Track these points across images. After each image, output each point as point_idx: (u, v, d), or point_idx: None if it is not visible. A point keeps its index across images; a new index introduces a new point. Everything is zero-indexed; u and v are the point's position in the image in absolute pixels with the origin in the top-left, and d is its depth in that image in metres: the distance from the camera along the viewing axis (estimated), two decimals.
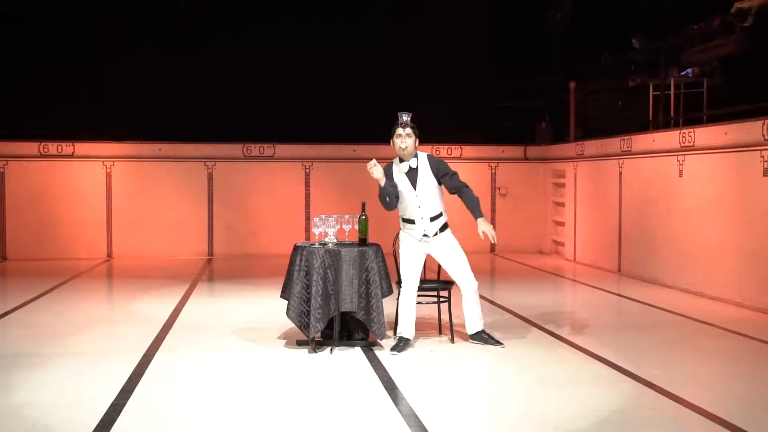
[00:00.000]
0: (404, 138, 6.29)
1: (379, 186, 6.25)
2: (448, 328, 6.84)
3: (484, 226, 6.24)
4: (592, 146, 12.35)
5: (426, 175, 6.31)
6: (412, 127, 6.30)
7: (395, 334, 6.48)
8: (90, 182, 13.24)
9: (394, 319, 6.98)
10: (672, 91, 10.93)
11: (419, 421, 4.62)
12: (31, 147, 13.07)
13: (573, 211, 13.00)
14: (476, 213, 6.29)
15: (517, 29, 14.60)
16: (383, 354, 6.25)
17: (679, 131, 9.82)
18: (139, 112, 13.50)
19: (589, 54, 13.59)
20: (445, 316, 6.97)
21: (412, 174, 6.30)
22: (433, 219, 6.33)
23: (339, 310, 6.22)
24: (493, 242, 6.39)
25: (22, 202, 12.95)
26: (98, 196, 13.25)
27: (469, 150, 14.30)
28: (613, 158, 11.55)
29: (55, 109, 13.15)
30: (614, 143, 11.51)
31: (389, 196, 6.27)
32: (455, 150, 14.23)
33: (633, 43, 12.17)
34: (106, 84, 13.59)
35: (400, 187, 6.31)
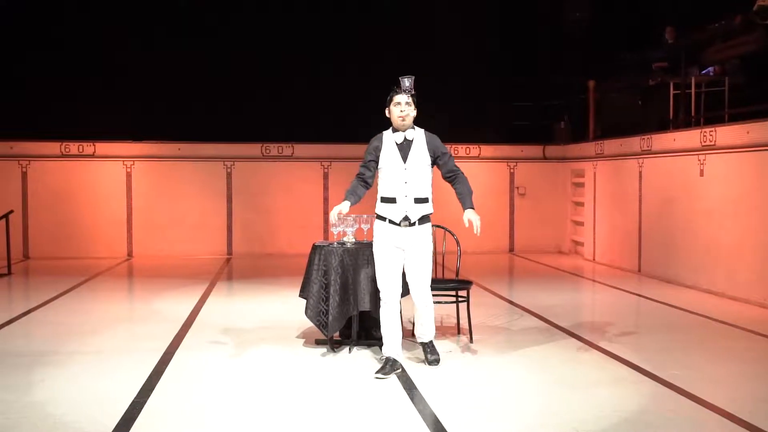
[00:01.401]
0: (404, 107, 5.63)
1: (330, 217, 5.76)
2: (466, 328, 6.82)
3: (472, 215, 5.69)
4: (611, 145, 12.28)
5: (420, 150, 5.67)
6: (413, 96, 5.68)
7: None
8: (110, 182, 13.36)
9: (412, 318, 6.99)
10: (693, 90, 10.82)
11: (437, 420, 4.62)
12: (52, 147, 13.20)
13: (592, 211, 12.93)
14: (468, 202, 5.78)
15: (535, 28, 14.54)
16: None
17: (700, 130, 9.73)
18: (158, 112, 13.60)
19: (608, 53, 13.50)
20: (463, 316, 6.95)
21: (404, 145, 5.64)
22: (418, 201, 5.63)
23: (357, 310, 6.22)
24: (476, 233, 5.69)
25: (43, 202, 13.09)
26: (119, 196, 13.37)
27: (487, 149, 14.26)
28: (633, 157, 11.47)
29: (76, 110, 13.27)
30: (634, 142, 11.44)
31: (365, 182, 5.76)
32: (473, 149, 14.20)
33: (665, 35, 12.05)
34: (127, 84, 13.68)
35: (386, 161, 5.64)
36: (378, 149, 5.68)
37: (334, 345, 6.34)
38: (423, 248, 5.66)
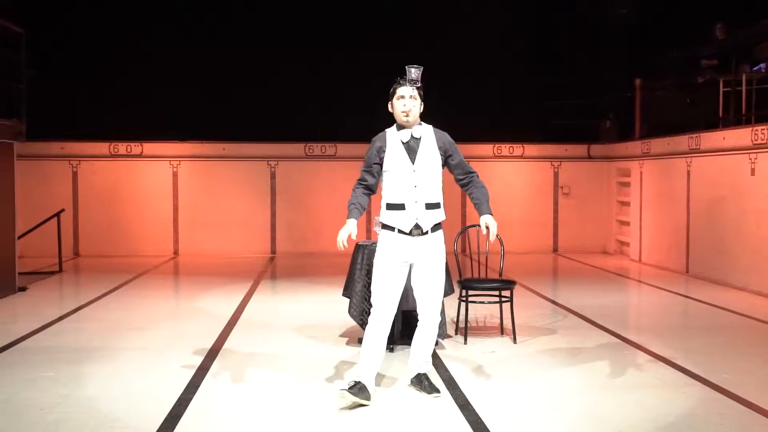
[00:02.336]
0: (407, 101, 4.94)
1: (338, 240, 4.93)
2: (510, 329, 6.78)
3: (490, 220, 5.01)
4: (658, 144, 12.08)
5: (430, 149, 4.99)
6: (418, 88, 4.99)
7: (440, 337, 5.98)
8: (157, 181, 13.59)
9: (455, 318, 6.97)
10: (743, 87, 10.58)
11: (479, 418, 4.59)
12: (101, 147, 13.48)
13: (638, 211, 12.73)
14: (485, 208, 5.05)
15: (581, 25, 14.37)
16: (444, 352, 6.23)
17: (751, 128, 9.51)
18: (204, 113, 13.77)
19: (655, 50, 13.28)
20: (506, 316, 6.91)
21: (412, 144, 4.97)
22: (429, 207, 4.95)
23: (400, 309, 6.22)
24: (491, 240, 5.24)
25: (93, 201, 13.37)
26: (165, 195, 13.59)
27: (531, 149, 14.15)
28: (681, 156, 11.27)
29: (125, 111, 13.52)
30: (682, 141, 11.23)
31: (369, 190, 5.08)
32: (517, 149, 14.10)
33: (715, 32, 11.81)
34: (173, 85, 13.88)
35: (391, 162, 4.96)
36: (382, 150, 4.98)
37: None
38: (436, 259, 5.00)
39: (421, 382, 5.12)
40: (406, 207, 4.92)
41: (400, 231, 4.94)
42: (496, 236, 5.15)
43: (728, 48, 11.23)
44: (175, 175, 13.64)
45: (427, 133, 5.02)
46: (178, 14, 14.05)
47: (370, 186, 5.03)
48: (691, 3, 13.09)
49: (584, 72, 14.12)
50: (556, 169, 14.21)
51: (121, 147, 13.51)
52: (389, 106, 5.04)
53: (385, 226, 5.01)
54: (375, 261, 5.04)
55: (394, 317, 5.05)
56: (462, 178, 5.12)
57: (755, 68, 11.14)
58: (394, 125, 5.04)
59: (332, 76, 14.12)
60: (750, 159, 9.45)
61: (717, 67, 11.52)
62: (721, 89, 10.92)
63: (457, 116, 13.94)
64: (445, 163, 5.06)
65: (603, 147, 14.19)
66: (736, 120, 10.59)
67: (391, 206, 4.97)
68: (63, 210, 11.92)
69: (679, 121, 11.75)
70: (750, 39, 11.13)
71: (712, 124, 10.99)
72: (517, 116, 14.12)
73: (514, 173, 14.15)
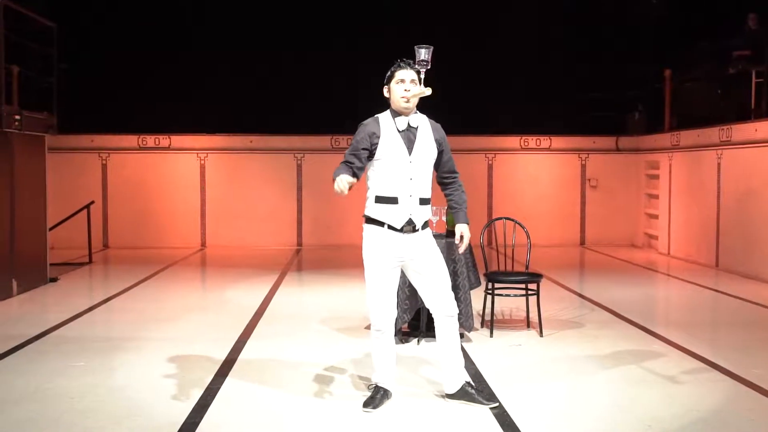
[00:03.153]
0: (408, 85, 4.49)
1: (335, 186, 4.43)
2: (536, 322, 6.74)
3: (465, 230, 4.69)
4: (688, 136, 11.92)
5: (427, 140, 4.57)
6: (418, 71, 4.54)
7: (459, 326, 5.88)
8: (185, 173, 13.69)
9: (481, 311, 6.95)
10: None
11: (505, 411, 4.57)
12: (130, 140, 13.62)
13: (667, 204, 12.58)
14: (462, 216, 4.71)
15: (610, 15, 14.19)
16: (470, 345, 6.22)
17: None
18: (231, 105, 13.83)
19: (685, 41, 13.08)
20: (533, 309, 6.87)
21: (408, 133, 4.54)
22: (423, 203, 4.55)
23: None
24: (461, 252, 4.86)
25: (122, 193, 13.52)
26: (193, 187, 13.69)
27: (558, 141, 14.04)
28: (711, 149, 11.11)
29: (153, 104, 13.62)
30: (713, 133, 11.07)
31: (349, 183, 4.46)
32: (544, 141, 13.99)
33: (747, 22, 11.60)
34: (200, 79, 13.94)
35: (386, 151, 4.50)
36: (375, 137, 4.50)
37: (403, 337, 6.36)
38: (430, 252, 4.62)
39: (467, 393, 4.67)
40: (399, 201, 4.50)
41: (390, 227, 4.53)
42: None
43: (761, 38, 11.02)
44: (202, 167, 13.73)
45: (423, 122, 4.60)
46: (206, 10, 14.09)
47: (355, 169, 4.50)
48: None
49: (613, 63, 13.95)
50: (583, 162, 14.09)
51: (150, 140, 13.64)
52: (385, 90, 4.60)
53: (372, 221, 4.58)
54: (366, 264, 4.62)
55: (395, 323, 4.79)
56: (446, 177, 4.73)
57: None
58: (387, 111, 4.60)
59: (359, 68, 14.08)
60: None
61: (749, 57, 11.33)
62: (754, 80, 10.76)
63: (483, 109, 13.94)
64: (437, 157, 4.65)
65: (632, 139, 14.04)
66: None
67: (381, 199, 4.53)
68: (93, 202, 12.06)
69: (709, 113, 11.58)
70: None
71: (744, 115, 10.82)
72: (545, 108, 14.01)
73: (541, 166, 14.04)
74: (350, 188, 4.40)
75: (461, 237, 4.69)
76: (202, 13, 14.09)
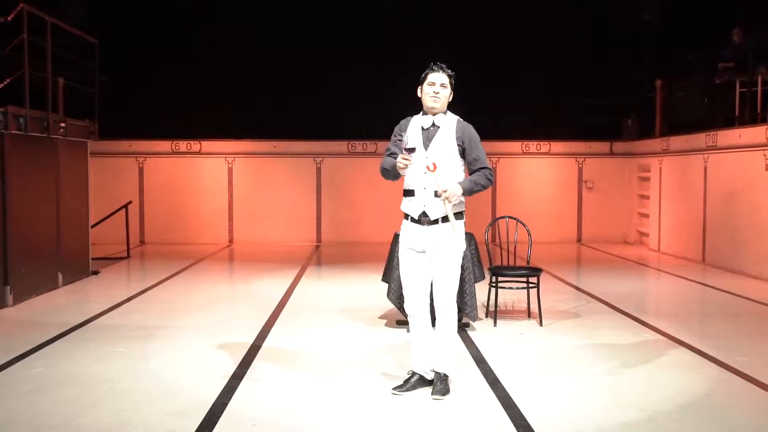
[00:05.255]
0: (438, 88, 4.47)
1: (393, 167, 4.47)
2: (536, 312, 6.72)
3: (453, 185, 4.39)
4: (677, 142, 11.84)
5: (447, 137, 4.49)
6: (450, 75, 4.54)
7: (461, 317, 5.86)
8: (214, 176, 13.74)
9: (486, 302, 6.93)
10: (759, 88, 10.30)
11: (508, 395, 4.57)
12: (164, 145, 13.68)
13: (657, 204, 12.51)
14: (464, 181, 4.46)
15: (606, 29, 14.11)
16: (475, 334, 6.20)
17: (765, 126, 9.27)
18: (256, 114, 13.85)
19: (675, 53, 13.00)
20: (533, 301, 6.85)
21: (430, 131, 4.51)
22: (439, 195, 4.41)
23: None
24: (442, 198, 4.37)
25: (157, 194, 13.58)
26: (221, 188, 13.74)
27: (557, 146, 14.00)
28: (698, 153, 11.03)
29: (185, 112, 13.68)
30: (700, 139, 10.99)
31: (397, 177, 4.56)
32: (544, 146, 13.95)
33: (732, 36, 11.52)
34: (229, 88, 13.97)
35: (410, 146, 4.47)
36: (403, 129, 4.59)
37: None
38: (447, 248, 4.47)
39: (435, 381, 4.60)
40: (415, 193, 4.48)
41: (412, 219, 4.53)
42: (448, 199, 4.29)
43: (745, 50, 10.93)
44: (230, 170, 13.78)
45: (448, 122, 4.53)
46: (234, 25, 14.11)
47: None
48: (710, 8, 12.78)
49: (608, 74, 13.87)
50: (580, 165, 14.03)
51: (182, 145, 13.70)
52: (419, 90, 4.59)
53: (404, 215, 4.61)
54: (399, 256, 4.69)
55: (430, 307, 4.61)
56: (472, 170, 4.56)
57: None
58: (421, 111, 4.60)
59: (375, 82, 14.09)
60: (765, 155, 9.21)
61: (734, 68, 11.24)
62: (738, 90, 10.67)
63: (488, 116, 13.87)
64: (462, 155, 4.53)
65: (625, 144, 13.97)
66: (751, 118, 10.32)
67: (405, 192, 4.56)
68: (130, 202, 12.11)
69: (697, 120, 11.50)
70: (766, 42, 10.83)
71: (729, 122, 10.73)
72: (545, 116, 13.97)
73: (541, 169, 14.00)
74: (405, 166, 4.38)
75: (435, 166, 4.39)
76: (231, 29, 14.07)
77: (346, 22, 14.20)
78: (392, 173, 4.53)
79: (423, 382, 4.65)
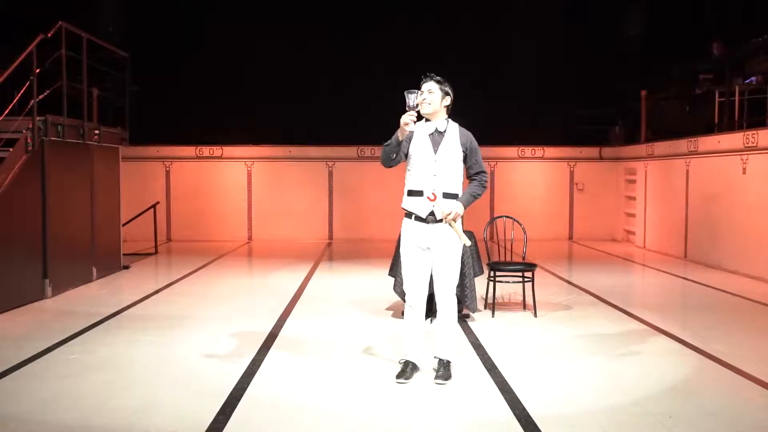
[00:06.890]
0: (425, 94, 4.48)
1: (396, 137, 4.44)
2: (531, 305, 6.73)
3: (455, 205, 4.43)
4: (661, 147, 11.82)
5: (453, 142, 4.51)
6: (438, 81, 4.52)
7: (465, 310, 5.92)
8: (234, 178, 13.79)
9: (484, 295, 6.94)
10: (737, 97, 10.27)
11: (505, 380, 4.58)
12: (189, 150, 13.73)
13: (643, 204, 12.49)
14: (462, 196, 4.49)
15: (595, 44, 14.09)
16: (474, 324, 6.22)
17: (743, 133, 9.25)
18: (273, 122, 13.88)
19: (659, 65, 12.98)
20: (528, 294, 6.86)
21: (435, 136, 4.52)
22: (446, 197, 4.45)
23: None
24: (442, 217, 4.44)
25: (182, 195, 13.64)
26: (241, 190, 13.79)
27: (550, 151, 13.99)
28: (680, 158, 11.01)
29: (209, 119, 13.74)
30: (682, 144, 10.96)
31: (398, 153, 4.52)
32: (538, 151, 13.95)
33: (712, 49, 11.48)
34: (248, 97, 14.01)
35: (415, 149, 4.50)
36: (410, 134, 4.52)
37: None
38: (451, 246, 4.50)
39: (443, 368, 4.61)
40: (423, 194, 4.46)
41: (417, 218, 4.52)
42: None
43: (723, 63, 10.91)
44: (249, 173, 13.83)
45: (451, 129, 4.56)
46: (256, 39, 14.12)
47: (399, 153, 4.53)
48: (691, 23, 12.74)
49: (597, 85, 13.86)
50: (572, 169, 14.02)
51: (205, 150, 13.75)
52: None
53: (406, 213, 4.57)
54: (400, 250, 4.66)
55: (426, 300, 4.67)
56: (473, 176, 4.59)
57: (747, 81, 10.82)
58: (423, 118, 4.57)
59: (385, 93, 14.07)
60: (741, 159, 9.19)
61: (713, 80, 11.22)
62: (717, 99, 10.64)
63: (486, 123, 13.84)
64: (464, 159, 4.56)
65: (613, 149, 13.94)
66: (729, 126, 10.30)
67: (411, 193, 4.53)
68: (158, 202, 12.17)
69: (679, 127, 11.48)
70: (742, 55, 10.81)
71: (709, 129, 10.71)
72: (539, 123, 13.96)
73: (535, 172, 13.99)
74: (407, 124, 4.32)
75: (433, 196, 4.43)
76: (253, 43, 14.07)
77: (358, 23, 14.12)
78: (394, 142, 4.44)
79: (416, 368, 4.68)
